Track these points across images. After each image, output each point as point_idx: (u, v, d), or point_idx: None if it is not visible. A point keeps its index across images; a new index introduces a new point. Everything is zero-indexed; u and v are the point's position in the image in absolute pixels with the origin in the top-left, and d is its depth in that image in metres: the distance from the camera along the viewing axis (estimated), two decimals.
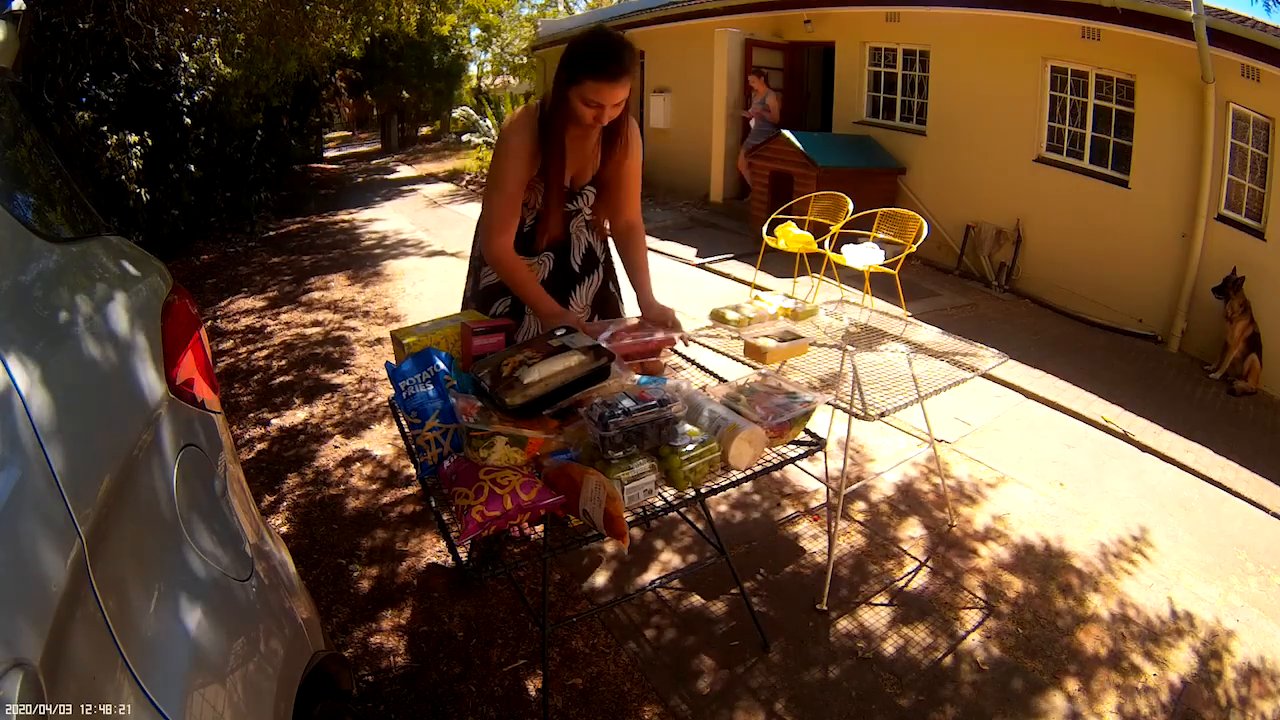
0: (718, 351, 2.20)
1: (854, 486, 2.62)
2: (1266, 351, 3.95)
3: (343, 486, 2.69)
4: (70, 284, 1.02)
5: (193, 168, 6.77)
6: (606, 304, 2.07)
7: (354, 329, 4.47)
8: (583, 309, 2.01)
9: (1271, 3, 4.22)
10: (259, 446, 3.00)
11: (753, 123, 7.11)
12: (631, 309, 2.22)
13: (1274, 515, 2.75)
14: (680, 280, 5.61)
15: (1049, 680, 1.85)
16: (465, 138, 13.47)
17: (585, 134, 1.77)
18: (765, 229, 4.95)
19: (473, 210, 8.77)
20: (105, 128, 5.31)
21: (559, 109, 1.68)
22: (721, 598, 2.09)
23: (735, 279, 5.53)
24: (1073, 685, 1.84)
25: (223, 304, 5.19)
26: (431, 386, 1.53)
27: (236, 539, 1.06)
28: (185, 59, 6.31)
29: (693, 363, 2.02)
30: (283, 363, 3.96)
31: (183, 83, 6.44)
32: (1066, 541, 2.44)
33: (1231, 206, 4.45)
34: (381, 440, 3.02)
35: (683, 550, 2.32)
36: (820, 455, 2.55)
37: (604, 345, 1.53)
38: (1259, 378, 3.94)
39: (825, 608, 2.06)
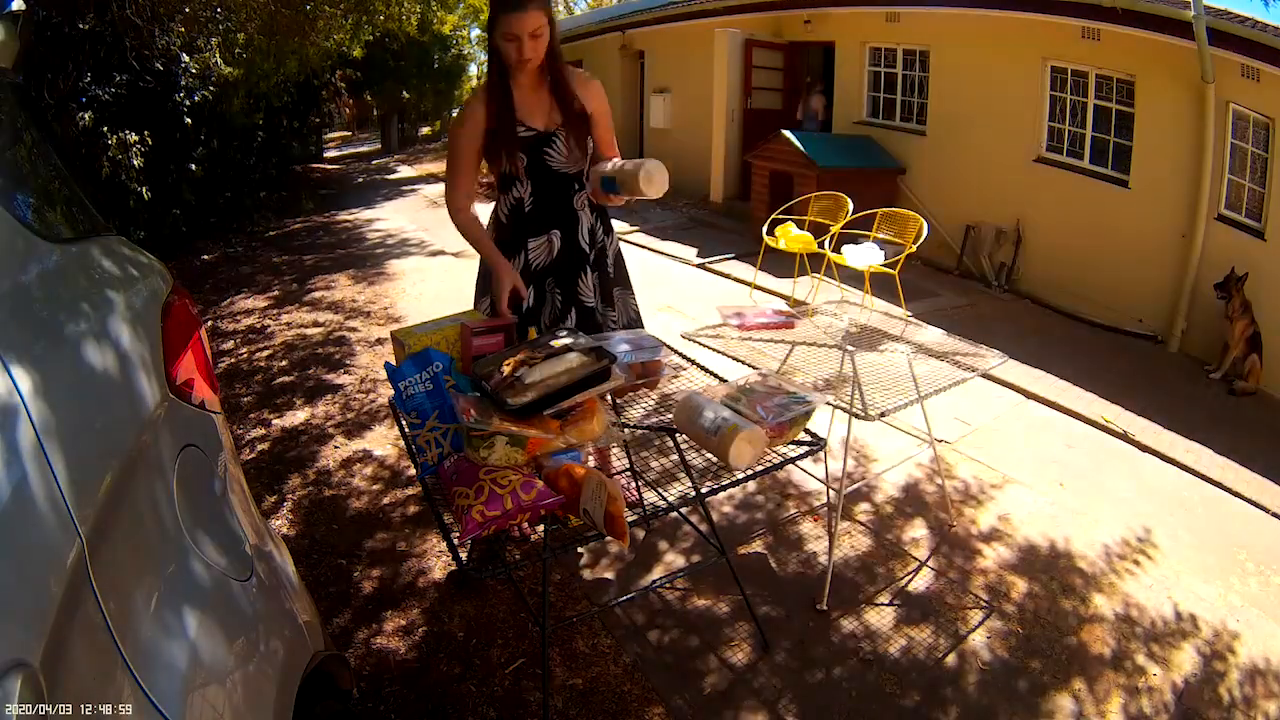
0: (718, 351, 2.20)
1: (855, 486, 2.62)
2: (1266, 351, 3.94)
3: (344, 487, 2.69)
4: (70, 284, 1.02)
5: (193, 167, 6.77)
6: (608, 293, 2.09)
7: (355, 329, 4.47)
8: (590, 295, 2.03)
9: (1270, 1, 4.22)
10: (260, 447, 3.00)
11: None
12: (642, 318, 2.22)
13: (1274, 515, 2.74)
14: (680, 280, 5.60)
15: (1051, 680, 1.85)
16: None
17: (532, 83, 1.89)
18: (765, 229, 4.95)
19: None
20: (105, 128, 5.31)
21: (493, 60, 1.85)
22: (722, 598, 2.09)
23: (735, 279, 5.53)
24: (1075, 685, 1.84)
25: (224, 304, 5.19)
26: (431, 386, 1.53)
27: (236, 540, 1.06)
28: (186, 59, 6.31)
29: (693, 363, 2.02)
30: (284, 363, 3.96)
31: (183, 83, 6.44)
32: (1067, 542, 2.44)
33: (1231, 206, 4.45)
34: (383, 441, 3.02)
35: (684, 551, 2.32)
36: (821, 455, 2.55)
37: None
38: (1260, 377, 3.94)
39: (826, 608, 2.06)
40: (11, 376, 0.73)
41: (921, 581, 2.21)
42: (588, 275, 2.02)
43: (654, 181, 1.76)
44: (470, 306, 2.07)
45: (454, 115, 1.99)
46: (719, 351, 2.20)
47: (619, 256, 2.16)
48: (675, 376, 1.93)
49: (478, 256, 2.09)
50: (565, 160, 1.93)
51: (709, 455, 1.61)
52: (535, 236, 1.96)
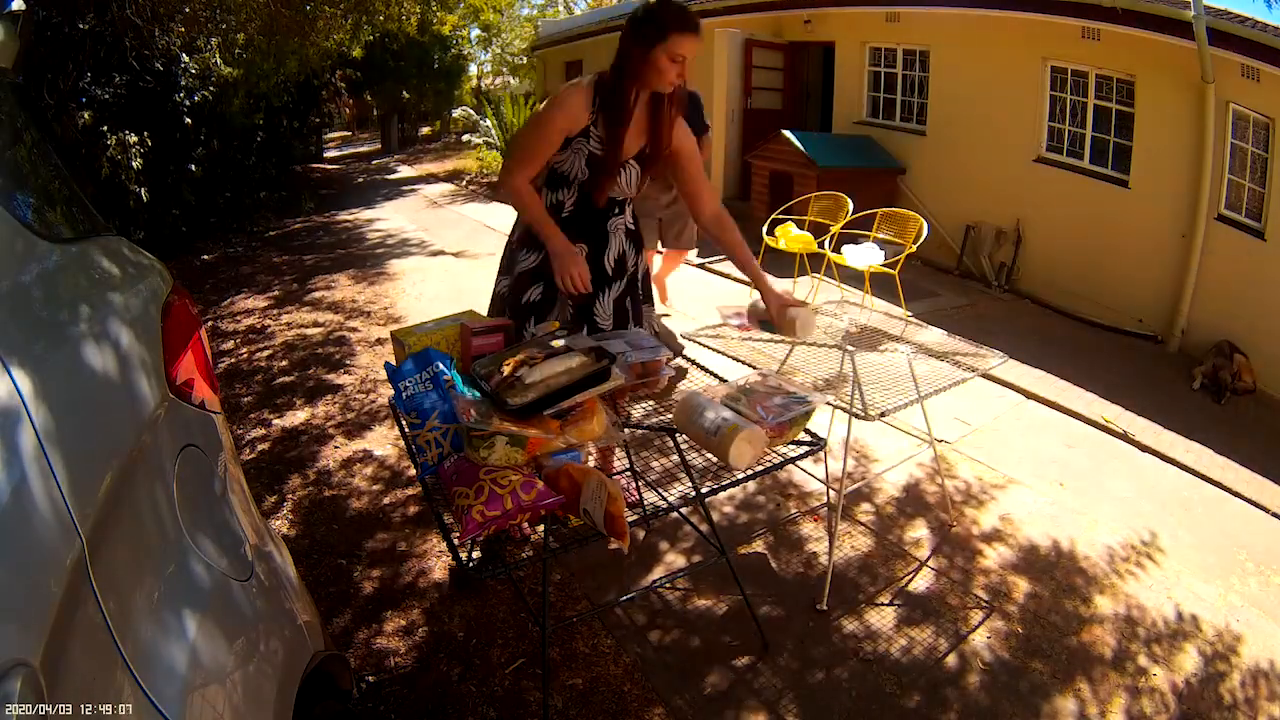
0: (718, 352, 2.20)
1: (855, 487, 2.62)
2: (1266, 352, 3.94)
3: (344, 487, 2.69)
4: (70, 284, 1.02)
5: (193, 168, 6.77)
6: (626, 315, 2.07)
7: (355, 329, 4.47)
8: (606, 318, 2.01)
9: (1271, 1, 4.22)
10: (260, 447, 3.00)
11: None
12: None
13: (1274, 515, 2.74)
14: (680, 280, 5.59)
15: (1052, 681, 1.85)
16: (465, 138, 13.49)
17: (643, 108, 1.86)
18: (765, 229, 4.95)
19: (473, 210, 8.76)
20: (105, 128, 5.31)
21: (637, 74, 1.78)
22: (722, 598, 2.09)
23: (735, 279, 5.52)
24: (1077, 685, 1.84)
25: (224, 304, 5.18)
26: (431, 386, 1.53)
27: (236, 540, 1.06)
28: (185, 59, 6.32)
29: (693, 363, 2.02)
30: (284, 363, 3.96)
31: (183, 83, 6.44)
32: (1068, 542, 2.44)
33: (1231, 206, 4.45)
34: (383, 441, 3.02)
35: (684, 551, 2.32)
36: (821, 455, 2.55)
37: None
38: (1254, 373, 3.92)
39: (826, 608, 2.05)
40: (11, 377, 0.73)
41: (922, 581, 2.21)
42: (605, 296, 2.00)
43: (807, 328, 1.86)
44: (470, 306, 2.07)
45: (552, 98, 1.91)
46: (719, 351, 2.20)
47: (646, 275, 2.16)
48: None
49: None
50: (624, 187, 1.92)
51: (709, 455, 1.61)
52: None
